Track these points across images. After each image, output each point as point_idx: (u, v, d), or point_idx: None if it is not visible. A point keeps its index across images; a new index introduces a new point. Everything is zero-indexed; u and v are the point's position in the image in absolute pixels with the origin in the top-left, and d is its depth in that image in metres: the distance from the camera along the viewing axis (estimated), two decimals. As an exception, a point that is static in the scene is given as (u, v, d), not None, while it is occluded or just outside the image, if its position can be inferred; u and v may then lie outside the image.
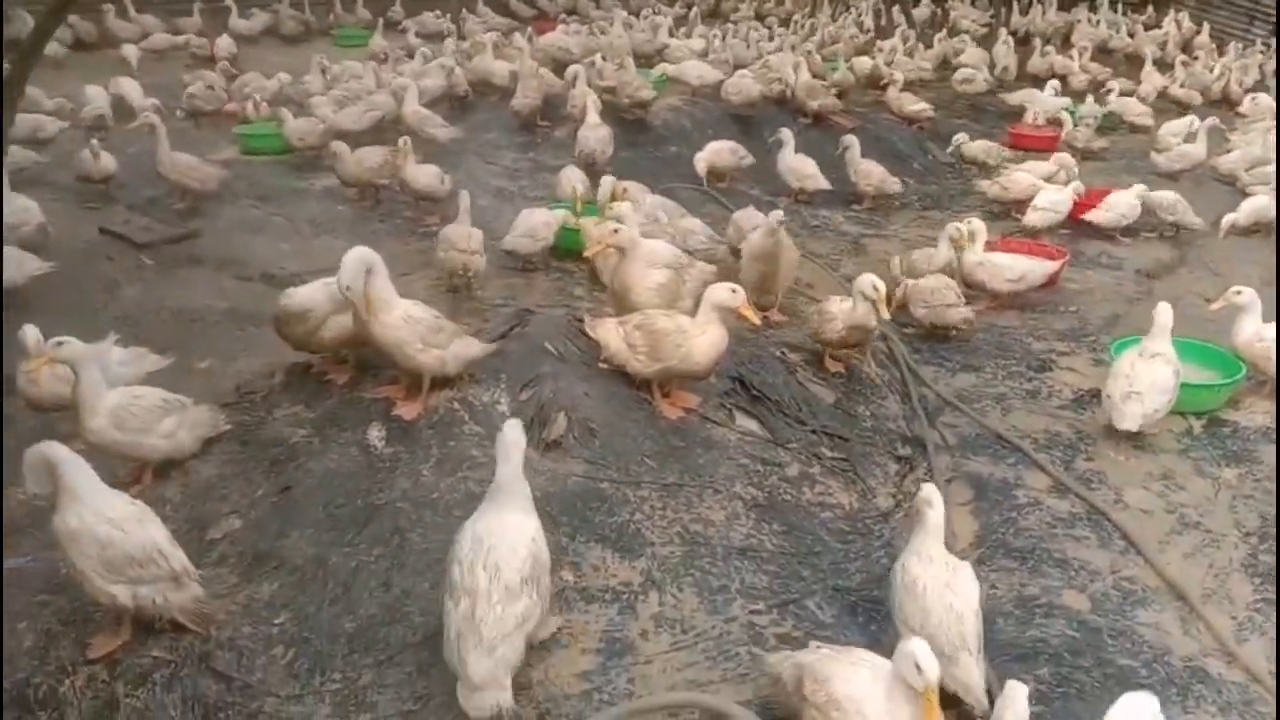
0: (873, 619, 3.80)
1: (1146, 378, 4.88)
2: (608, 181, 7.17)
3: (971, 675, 3.19)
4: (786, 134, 9.18)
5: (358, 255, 4.16)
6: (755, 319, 4.65)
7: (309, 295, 4.65)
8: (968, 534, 4.40)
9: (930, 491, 3.44)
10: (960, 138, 10.52)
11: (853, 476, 4.74)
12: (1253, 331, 5.43)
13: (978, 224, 7.01)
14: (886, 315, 5.32)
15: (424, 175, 7.74)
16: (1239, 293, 5.49)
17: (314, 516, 3.91)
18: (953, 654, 3.17)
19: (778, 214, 6.03)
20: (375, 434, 4.30)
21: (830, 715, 2.89)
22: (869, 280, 5.28)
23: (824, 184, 9.20)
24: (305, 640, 3.45)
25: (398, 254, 7.03)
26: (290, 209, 8.07)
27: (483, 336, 5.08)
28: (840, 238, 8.75)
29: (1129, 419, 4.82)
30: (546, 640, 3.43)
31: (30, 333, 4.34)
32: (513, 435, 3.29)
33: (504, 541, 3.10)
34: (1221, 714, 3.33)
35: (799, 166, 9.17)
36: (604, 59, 11.39)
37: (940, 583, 3.27)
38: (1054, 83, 13.19)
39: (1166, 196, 8.71)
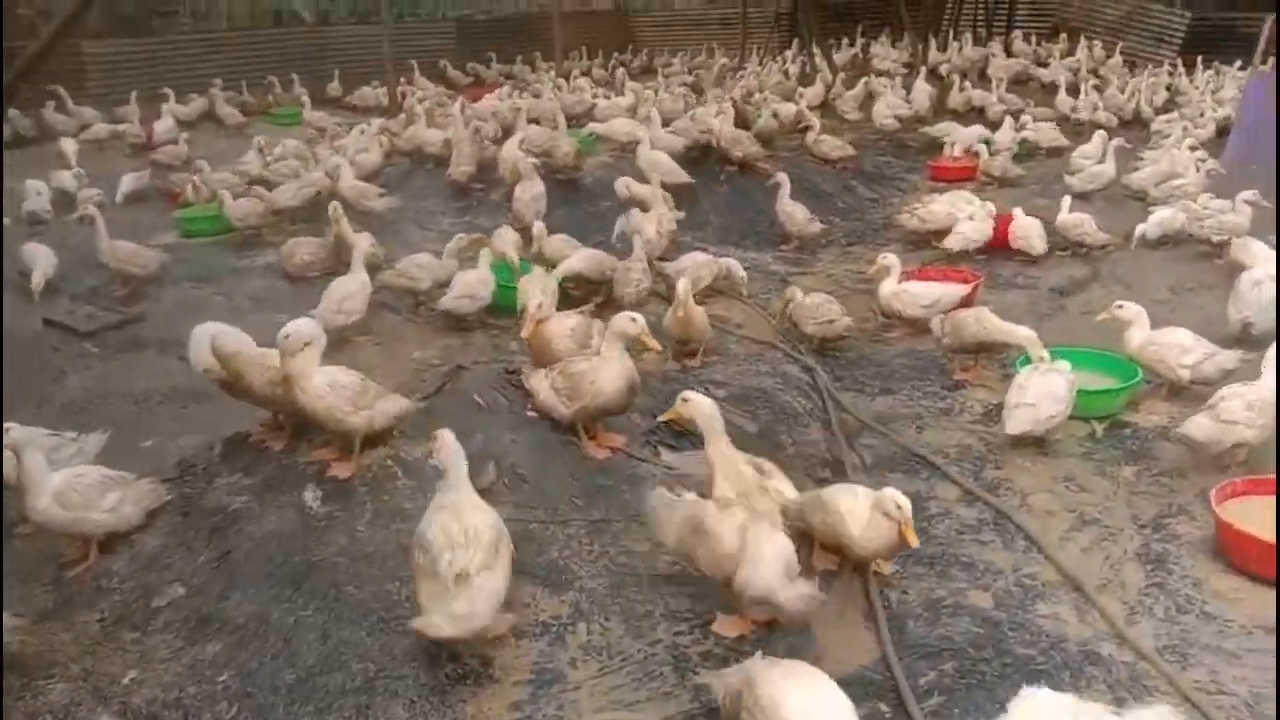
0: (789, 632, 4.00)
1: (1041, 387, 5.20)
2: (538, 231, 7.55)
3: None
4: (783, 178, 9.56)
5: (305, 326, 4.43)
6: (656, 346, 4.88)
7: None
8: (883, 546, 4.65)
9: None
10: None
11: (773, 501, 4.97)
12: (1143, 338, 5.78)
13: (891, 258, 7.37)
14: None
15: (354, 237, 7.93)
16: (1120, 306, 5.89)
17: (254, 577, 4.08)
18: None
19: (684, 283, 6.28)
20: (311, 495, 4.48)
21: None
22: (891, 497, 3.96)
23: (816, 228, 9.70)
24: (248, 695, 3.60)
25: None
26: (231, 288, 8.26)
27: (417, 394, 5.31)
28: (769, 277, 9.09)
29: (1017, 423, 5.14)
30: (480, 671, 3.61)
31: None
32: (451, 442, 3.73)
33: (473, 515, 3.57)
34: (1110, 690, 3.56)
35: (794, 212, 9.58)
36: (537, 123, 11.81)
37: None
38: (979, 129, 13.62)
39: (1074, 218, 9.17)
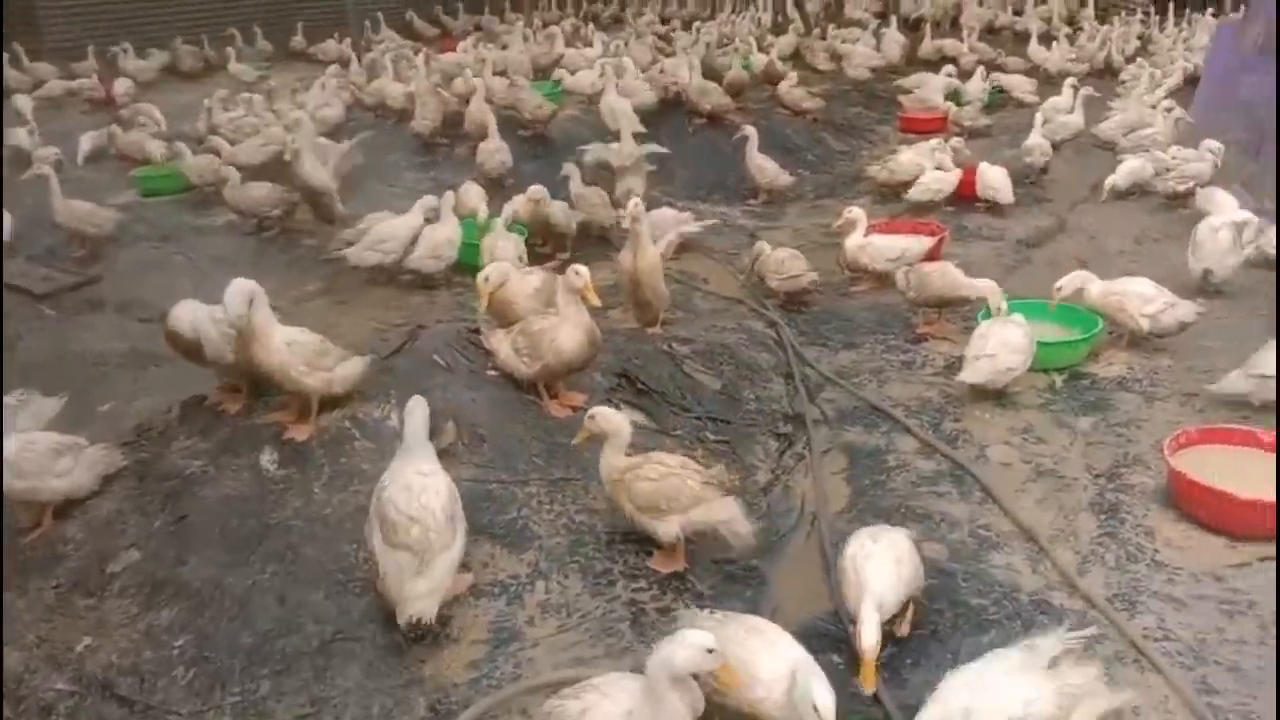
0: (748, 586, 4.06)
1: (1000, 338, 5.22)
2: (508, 207, 7.43)
3: None
4: (751, 131, 9.49)
5: (239, 287, 4.34)
6: (595, 299, 4.83)
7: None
8: (841, 499, 4.70)
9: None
10: None
11: (734, 456, 5.00)
12: (1102, 287, 5.80)
13: (856, 212, 7.34)
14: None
15: (317, 174, 7.86)
16: (1082, 266, 5.86)
17: (210, 541, 4.05)
18: None
19: (634, 201, 6.08)
20: (268, 458, 4.45)
21: (720, 678, 3.02)
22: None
23: (786, 181, 9.69)
24: (205, 659, 3.60)
25: (299, 283, 7.20)
26: (190, 247, 8.15)
27: (377, 355, 5.25)
28: (737, 232, 9.06)
29: (974, 373, 5.18)
30: (438, 630, 3.62)
31: None
32: (417, 405, 3.83)
33: (429, 485, 3.58)
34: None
35: (764, 165, 9.56)
36: (505, 75, 11.64)
37: None
38: (949, 67, 13.67)
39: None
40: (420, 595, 3.43)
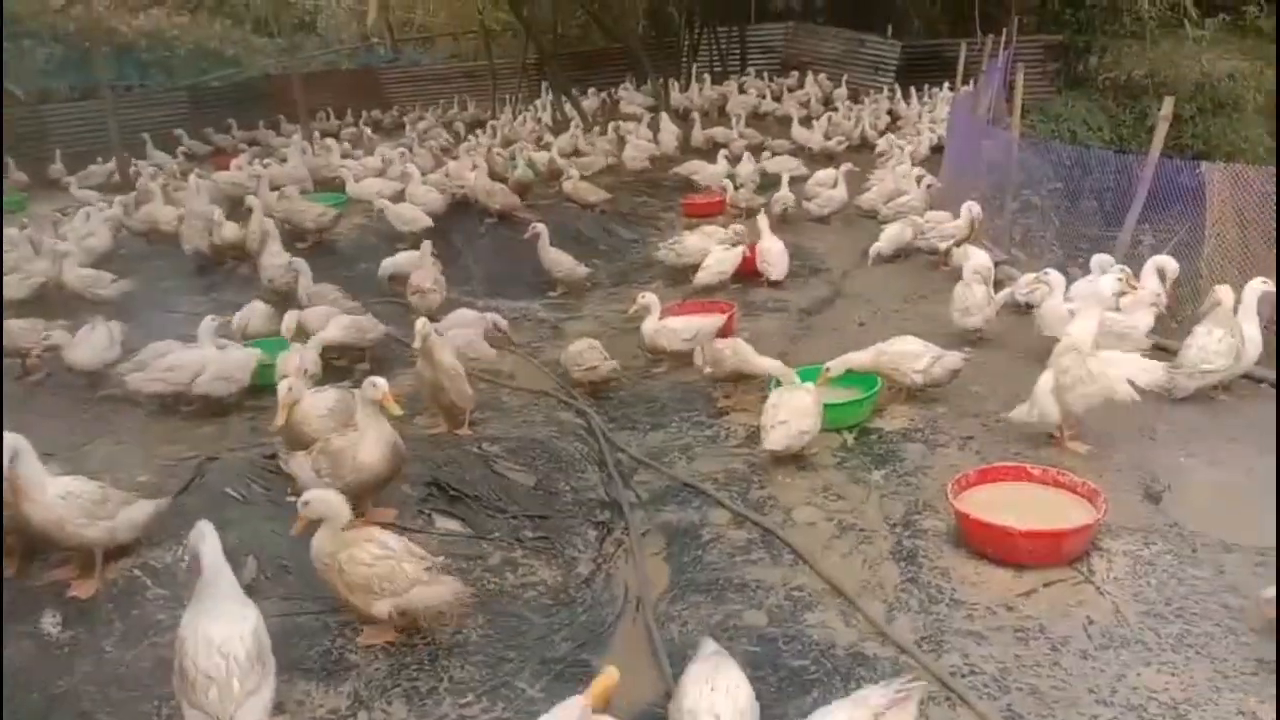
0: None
1: (791, 404, 5.51)
2: (291, 316, 7.22)
3: None
4: (541, 227, 9.68)
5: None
6: (395, 409, 4.78)
7: None
8: (662, 579, 4.77)
9: None
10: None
11: (554, 552, 4.99)
12: (872, 353, 6.24)
13: (650, 298, 7.58)
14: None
15: (87, 350, 7.32)
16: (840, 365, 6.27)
17: (-15, 724, 3.67)
18: None
19: (420, 321, 6.05)
20: (50, 620, 4.09)
21: None
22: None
23: (582, 272, 9.93)
24: None
25: (75, 424, 6.71)
26: (-56, 399, 7.46)
27: (163, 494, 4.96)
28: (539, 325, 9.17)
29: (775, 440, 5.44)
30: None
31: None
32: (205, 534, 3.50)
33: (230, 631, 3.34)
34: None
35: (559, 258, 9.79)
36: (280, 190, 11.41)
37: None
38: (724, 152, 14.49)
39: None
40: None
